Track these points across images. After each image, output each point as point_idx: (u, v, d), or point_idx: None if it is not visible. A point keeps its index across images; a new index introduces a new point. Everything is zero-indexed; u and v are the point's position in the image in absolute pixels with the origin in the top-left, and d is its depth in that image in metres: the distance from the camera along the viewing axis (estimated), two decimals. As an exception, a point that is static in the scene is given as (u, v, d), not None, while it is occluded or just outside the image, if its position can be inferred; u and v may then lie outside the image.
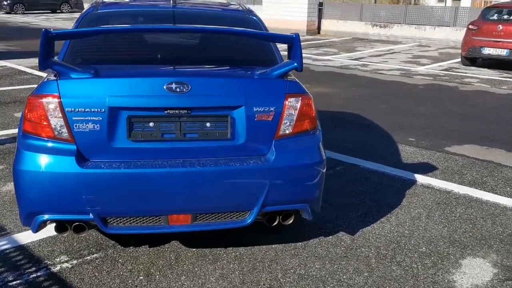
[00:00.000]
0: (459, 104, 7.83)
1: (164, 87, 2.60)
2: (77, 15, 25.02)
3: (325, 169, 2.95)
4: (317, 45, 15.83)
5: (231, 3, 4.16)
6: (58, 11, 29.22)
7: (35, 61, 9.88)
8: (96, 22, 3.30)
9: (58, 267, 2.91)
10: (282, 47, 3.41)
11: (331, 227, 3.52)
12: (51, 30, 2.51)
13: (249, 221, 2.81)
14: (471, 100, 8.14)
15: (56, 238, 3.22)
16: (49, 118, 2.58)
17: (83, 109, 2.57)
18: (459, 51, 12.35)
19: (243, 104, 2.69)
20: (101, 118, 2.58)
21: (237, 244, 3.23)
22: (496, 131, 6.23)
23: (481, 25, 11.39)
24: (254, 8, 20.36)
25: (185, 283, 2.81)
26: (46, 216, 2.64)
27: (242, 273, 2.93)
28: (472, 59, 11.71)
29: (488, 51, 11.19)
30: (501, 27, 11.04)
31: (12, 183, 2.84)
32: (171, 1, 3.56)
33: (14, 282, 2.75)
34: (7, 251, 3.07)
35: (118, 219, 2.71)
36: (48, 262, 2.96)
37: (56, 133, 2.59)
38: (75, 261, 2.98)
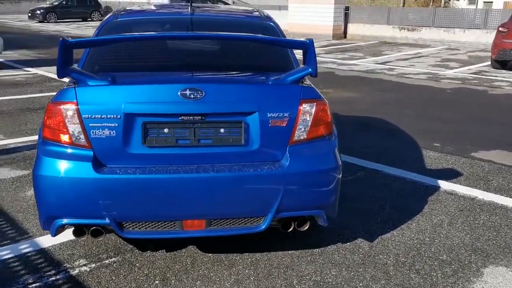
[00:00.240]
0: (488, 108, 7.64)
1: (179, 93, 2.63)
2: (107, 23, 25.49)
3: (340, 175, 2.91)
4: (343, 49, 15.72)
5: (255, 9, 4.15)
6: (88, 19, 29.93)
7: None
8: (116, 30, 3.36)
9: (76, 271, 2.97)
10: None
11: (350, 234, 3.48)
12: (68, 39, 2.58)
13: (263, 227, 2.80)
14: (501, 104, 7.93)
15: (76, 242, 3.29)
16: (67, 124, 2.64)
17: (100, 116, 2.62)
18: (489, 54, 12.06)
19: (257, 110, 2.70)
20: (117, 125, 2.62)
21: (253, 250, 3.22)
22: (525, 136, 6.05)
23: (512, 27, 11.12)
24: (281, 13, 20.45)
25: (200, 288, 2.82)
26: (64, 221, 2.69)
27: (257, 279, 2.92)
28: (503, 62, 11.42)
29: (519, 53, 10.90)
30: (532, 29, 10.74)
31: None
32: (189, 9, 3.60)
33: (34, 285, 2.82)
34: (29, 254, 3.15)
35: (133, 223, 2.75)
36: (67, 265, 3.02)
37: (74, 139, 2.65)
38: (93, 265, 3.03)
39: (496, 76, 10.57)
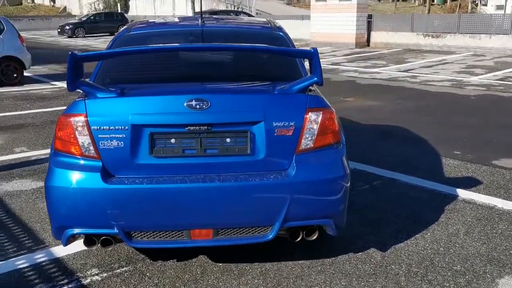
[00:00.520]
0: (512, 114, 7.46)
1: (185, 104, 2.66)
2: (133, 36, 25.97)
3: (349, 183, 2.89)
4: (366, 57, 15.61)
5: (266, 20, 4.18)
6: (115, 33, 30.58)
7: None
8: (128, 43, 3.44)
9: (88, 280, 3.02)
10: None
11: (362, 243, 3.44)
12: (78, 53, 2.65)
13: (271, 236, 2.79)
14: (526, 111, 7.73)
15: (89, 251, 3.34)
16: (77, 136, 2.70)
17: (108, 127, 2.67)
18: (516, 59, 11.80)
19: (263, 119, 2.71)
20: (124, 135, 2.67)
21: (263, 259, 3.22)
22: (550, 142, 5.87)
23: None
24: (303, 23, 20.52)
25: (208, 298, 2.83)
26: (75, 230, 2.75)
27: (266, 289, 2.91)
28: (530, 68, 11.15)
29: (547, 58, 10.61)
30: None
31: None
32: (200, 21, 3.65)
33: (47, 294, 2.88)
34: (44, 263, 3.22)
35: (142, 233, 2.78)
36: (80, 275, 3.07)
37: (84, 150, 2.71)
38: (105, 274, 3.08)
39: (523, 82, 10.32)
